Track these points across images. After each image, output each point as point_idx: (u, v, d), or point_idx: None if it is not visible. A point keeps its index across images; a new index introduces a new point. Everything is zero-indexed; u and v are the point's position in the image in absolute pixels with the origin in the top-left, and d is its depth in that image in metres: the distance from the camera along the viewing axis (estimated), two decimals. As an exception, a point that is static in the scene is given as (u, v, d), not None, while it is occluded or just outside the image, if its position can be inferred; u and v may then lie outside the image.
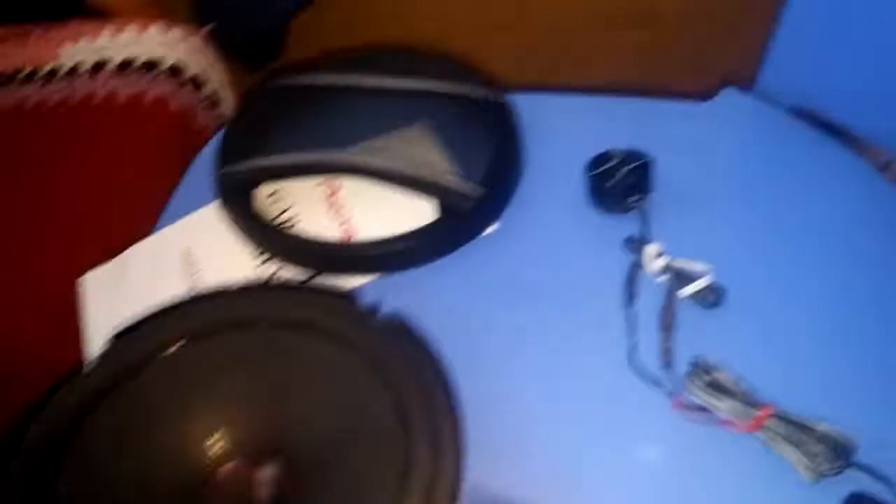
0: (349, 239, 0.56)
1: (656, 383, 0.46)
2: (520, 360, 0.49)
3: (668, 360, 0.47)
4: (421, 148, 0.57)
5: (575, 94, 0.63)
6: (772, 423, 0.43)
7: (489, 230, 0.56)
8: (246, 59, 1.11)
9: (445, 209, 0.55)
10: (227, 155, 0.59)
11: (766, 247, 0.52)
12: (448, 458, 0.37)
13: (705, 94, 0.60)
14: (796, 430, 0.42)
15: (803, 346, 0.47)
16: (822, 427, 0.42)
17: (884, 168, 0.55)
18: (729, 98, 0.59)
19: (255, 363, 0.44)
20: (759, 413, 0.43)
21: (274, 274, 0.55)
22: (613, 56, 1.12)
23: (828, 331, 0.48)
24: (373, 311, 0.44)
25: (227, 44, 1.00)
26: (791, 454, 0.42)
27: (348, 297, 0.47)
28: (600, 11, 1.15)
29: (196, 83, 0.89)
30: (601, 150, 0.55)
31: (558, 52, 1.15)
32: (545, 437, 0.46)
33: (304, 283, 0.55)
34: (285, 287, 0.54)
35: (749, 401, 0.44)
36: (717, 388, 0.44)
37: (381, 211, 0.56)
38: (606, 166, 0.54)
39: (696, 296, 0.49)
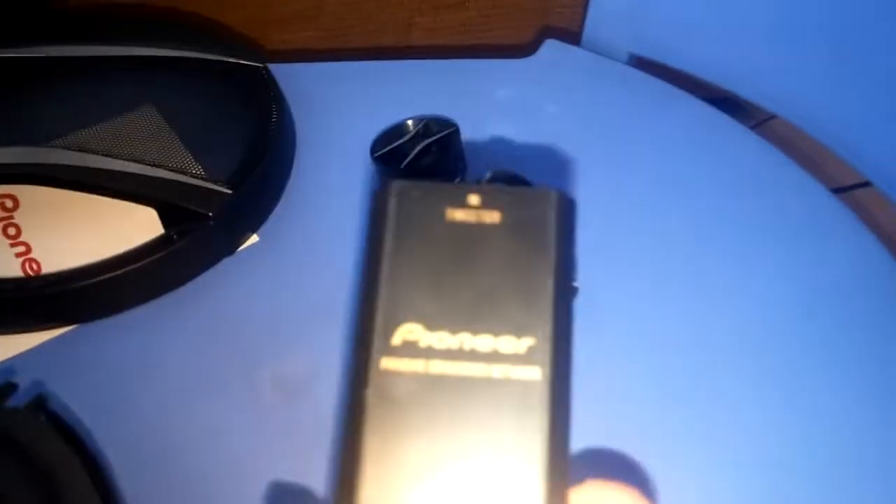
0: (36, 273, 0.38)
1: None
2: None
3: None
4: (145, 135, 0.40)
5: (363, 59, 0.48)
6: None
7: (243, 246, 0.40)
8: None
9: (176, 221, 0.38)
10: None
11: (617, 219, 0.39)
12: None
13: (526, 50, 0.48)
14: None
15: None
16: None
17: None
18: (553, 50, 0.47)
19: None
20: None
21: None
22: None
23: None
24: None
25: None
26: None
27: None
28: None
29: None
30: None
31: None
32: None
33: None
34: None
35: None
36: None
37: (82, 231, 0.39)
38: (398, 143, 0.40)
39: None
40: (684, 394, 0.34)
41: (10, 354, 0.36)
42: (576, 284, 0.34)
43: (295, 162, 0.44)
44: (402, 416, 0.14)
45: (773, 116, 0.46)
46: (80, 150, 0.39)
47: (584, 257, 0.37)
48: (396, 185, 0.16)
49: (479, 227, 0.15)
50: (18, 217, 0.40)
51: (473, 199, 0.16)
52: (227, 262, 0.39)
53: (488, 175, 0.37)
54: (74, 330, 0.37)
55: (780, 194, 0.41)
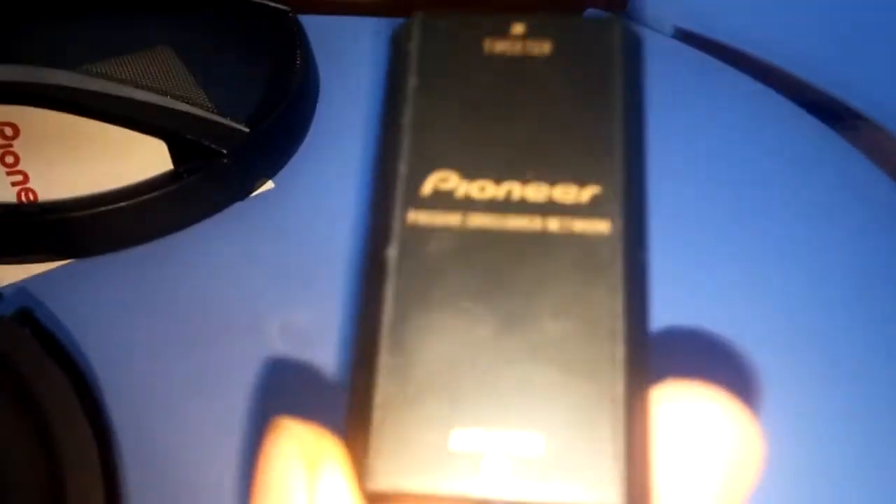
0: (31, 201, 0.35)
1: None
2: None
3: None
4: (159, 69, 0.38)
5: (392, 15, 0.46)
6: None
7: (257, 192, 0.37)
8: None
9: (188, 157, 0.35)
10: None
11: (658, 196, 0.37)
12: None
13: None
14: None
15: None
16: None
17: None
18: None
19: None
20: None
21: None
22: None
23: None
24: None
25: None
26: None
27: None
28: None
29: None
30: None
31: None
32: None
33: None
34: None
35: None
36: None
37: (85, 162, 0.36)
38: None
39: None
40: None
41: (5, 282, 0.33)
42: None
43: (316, 113, 0.41)
44: (433, 279, 0.11)
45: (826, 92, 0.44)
46: (88, 75, 0.36)
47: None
48: (420, 16, 0.13)
49: (525, 61, 0.12)
50: (17, 146, 0.37)
51: (518, 29, 0.13)
52: (239, 206, 0.36)
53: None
54: (72, 264, 0.34)
55: (827, 171, 0.39)
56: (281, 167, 0.38)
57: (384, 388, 0.11)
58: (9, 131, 0.37)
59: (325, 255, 0.34)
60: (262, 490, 0.11)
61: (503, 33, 0.13)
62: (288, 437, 0.11)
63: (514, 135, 0.12)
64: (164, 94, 0.36)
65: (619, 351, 0.11)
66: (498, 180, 0.11)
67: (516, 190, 0.11)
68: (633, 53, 0.13)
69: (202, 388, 0.30)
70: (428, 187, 0.11)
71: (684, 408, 0.11)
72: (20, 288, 0.33)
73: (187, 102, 0.36)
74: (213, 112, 0.36)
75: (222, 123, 0.36)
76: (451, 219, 0.11)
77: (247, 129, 0.36)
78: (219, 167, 0.35)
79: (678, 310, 0.29)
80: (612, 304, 0.11)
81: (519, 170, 0.12)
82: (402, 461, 0.10)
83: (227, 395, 0.29)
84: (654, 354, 0.11)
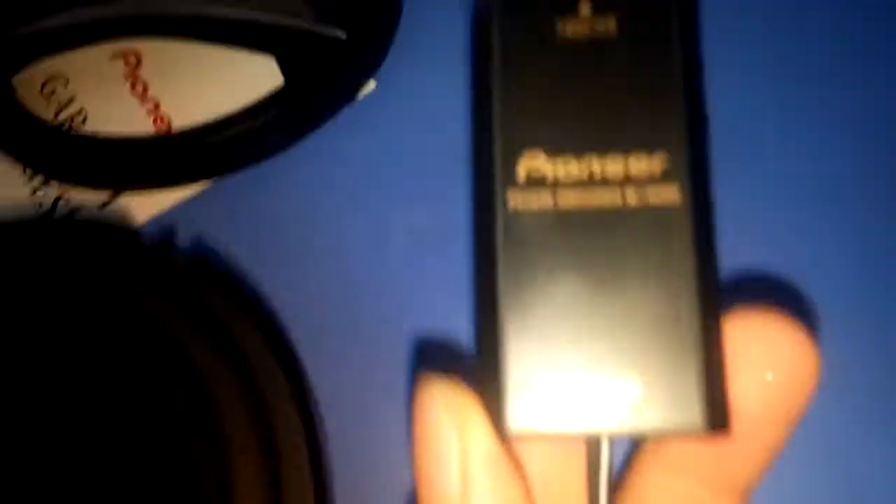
0: (166, 131, 0.39)
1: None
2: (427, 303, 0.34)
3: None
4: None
5: None
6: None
7: (361, 94, 0.39)
8: None
9: (294, 67, 0.37)
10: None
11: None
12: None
13: None
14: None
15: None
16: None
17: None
18: None
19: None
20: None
21: (58, 202, 0.38)
22: None
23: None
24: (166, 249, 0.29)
25: None
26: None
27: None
28: None
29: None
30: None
31: None
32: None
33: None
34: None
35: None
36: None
37: (205, 83, 0.39)
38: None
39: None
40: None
41: (154, 211, 0.37)
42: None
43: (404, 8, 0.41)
44: (534, 255, 0.14)
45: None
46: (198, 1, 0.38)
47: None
48: (499, 2, 0.14)
49: (594, 41, 0.14)
50: (144, 73, 0.40)
51: (585, 9, 0.14)
52: (347, 112, 0.39)
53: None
54: (211, 186, 0.38)
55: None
56: (378, 67, 0.39)
57: (509, 349, 0.14)
58: (133, 59, 0.40)
59: (437, 150, 0.37)
60: (421, 441, 0.15)
61: (573, 13, 0.14)
62: (436, 392, 0.14)
63: (589, 111, 0.14)
64: (268, 9, 0.37)
65: (694, 307, 0.13)
66: (578, 154, 0.14)
67: (596, 164, 0.14)
68: (691, 19, 0.14)
69: (345, 293, 0.34)
70: (522, 171, 0.14)
71: (751, 331, 0.14)
72: (166, 217, 0.37)
73: (285, 14, 0.37)
74: (310, 21, 0.37)
75: (322, 33, 0.37)
76: (544, 200, 0.14)
77: (344, 35, 0.37)
78: (326, 74, 0.37)
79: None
80: (686, 267, 0.13)
81: (597, 143, 0.14)
82: (533, 406, 0.14)
83: (368, 299, 0.34)
84: (723, 296, 0.14)
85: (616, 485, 0.15)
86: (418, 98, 0.39)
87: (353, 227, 0.36)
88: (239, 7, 0.38)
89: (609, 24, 0.14)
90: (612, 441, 0.14)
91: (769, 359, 0.14)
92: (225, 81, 0.38)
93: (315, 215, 0.36)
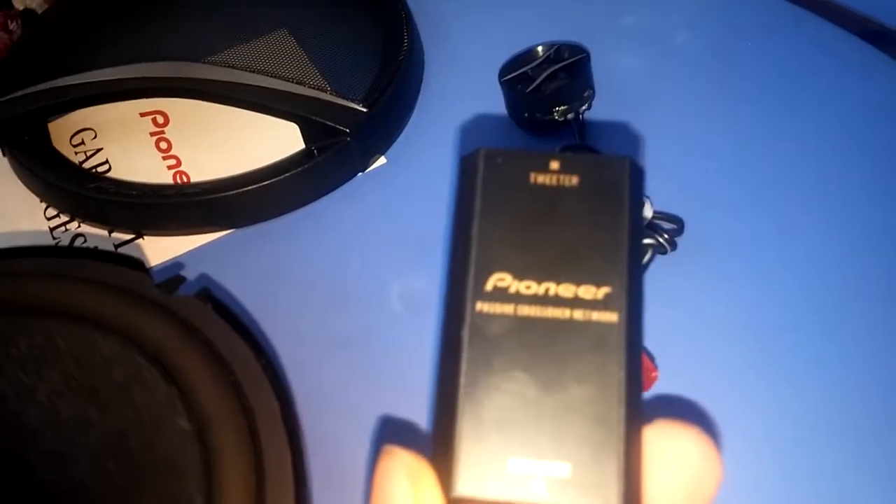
0: (185, 182, 0.40)
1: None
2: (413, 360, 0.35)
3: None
4: (282, 55, 0.42)
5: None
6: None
7: (372, 167, 0.41)
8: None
9: (315, 137, 0.40)
10: (9, 78, 0.43)
11: (742, 152, 0.39)
12: None
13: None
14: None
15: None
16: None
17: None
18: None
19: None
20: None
21: (75, 240, 0.40)
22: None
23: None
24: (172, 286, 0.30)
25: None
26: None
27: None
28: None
29: None
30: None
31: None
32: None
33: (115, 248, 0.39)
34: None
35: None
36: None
37: (227, 145, 0.41)
38: (526, 68, 0.40)
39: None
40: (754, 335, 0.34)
41: (171, 256, 0.39)
42: (647, 241, 0.35)
43: (422, 85, 0.44)
44: (494, 353, 0.16)
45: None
46: (227, 66, 0.41)
47: (710, 189, 0.38)
48: (483, 152, 0.18)
49: (560, 190, 0.17)
50: (169, 132, 0.42)
51: (554, 165, 0.18)
52: (359, 180, 0.41)
53: (559, 148, 0.38)
54: (222, 237, 0.39)
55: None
56: (392, 142, 0.42)
57: (463, 427, 0.16)
58: (160, 119, 0.43)
59: (436, 224, 0.38)
60: (381, 498, 0.16)
61: (544, 167, 0.18)
62: (396, 458, 0.16)
63: (551, 247, 0.17)
64: (294, 81, 0.40)
65: (622, 408, 0.16)
66: (539, 280, 0.17)
67: (552, 288, 0.17)
68: (638, 181, 0.18)
69: (344, 346, 0.35)
70: (490, 285, 0.17)
71: (666, 437, 0.17)
72: (177, 262, 0.38)
73: (313, 87, 0.40)
74: (335, 95, 0.40)
75: (343, 105, 0.40)
76: (507, 308, 0.16)
77: (365, 109, 0.40)
78: (343, 144, 0.40)
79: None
80: (617, 375, 0.16)
81: (554, 273, 0.17)
82: (478, 475, 0.16)
83: (365, 351, 0.35)
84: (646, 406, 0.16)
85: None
86: (424, 174, 0.41)
87: (348, 286, 0.37)
88: (269, 77, 0.40)
89: (572, 179, 0.17)
90: None
91: (679, 461, 0.16)
92: (247, 144, 0.41)
93: (314, 270, 0.38)
